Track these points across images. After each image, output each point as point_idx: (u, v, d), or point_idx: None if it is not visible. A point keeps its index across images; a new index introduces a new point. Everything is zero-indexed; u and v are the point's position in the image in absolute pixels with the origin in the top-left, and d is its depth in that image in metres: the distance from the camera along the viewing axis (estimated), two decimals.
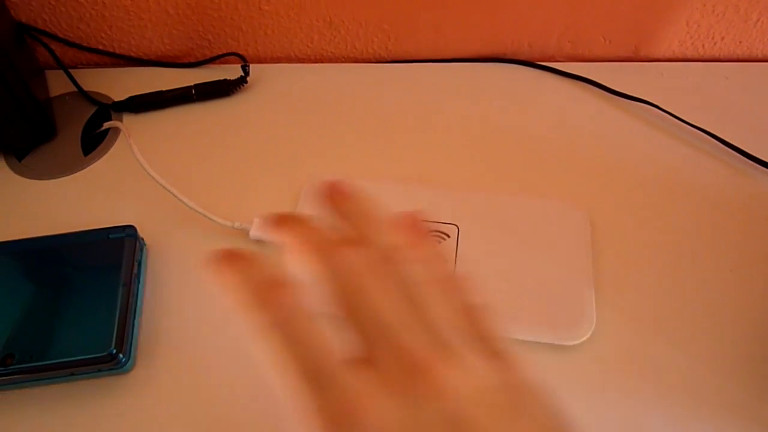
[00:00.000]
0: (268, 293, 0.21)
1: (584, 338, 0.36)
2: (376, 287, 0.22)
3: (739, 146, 0.45)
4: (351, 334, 0.21)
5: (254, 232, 0.41)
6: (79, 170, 0.47)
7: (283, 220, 0.24)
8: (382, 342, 0.21)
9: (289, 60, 0.57)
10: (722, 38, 0.53)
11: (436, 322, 0.22)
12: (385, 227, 0.24)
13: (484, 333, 0.23)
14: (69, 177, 0.46)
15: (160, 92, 0.51)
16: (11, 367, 0.34)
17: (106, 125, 0.49)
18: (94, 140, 0.49)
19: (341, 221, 0.24)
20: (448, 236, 0.40)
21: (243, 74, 0.51)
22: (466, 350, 0.22)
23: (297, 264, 0.23)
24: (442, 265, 0.24)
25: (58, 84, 0.53)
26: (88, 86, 0.52)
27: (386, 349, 0.21)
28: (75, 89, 0.52)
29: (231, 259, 0.22)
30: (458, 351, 0.21)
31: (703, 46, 0.54)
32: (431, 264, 0.24)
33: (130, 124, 0.50)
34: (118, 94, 0.51)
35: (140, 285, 0.39)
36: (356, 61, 0.56)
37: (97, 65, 0.56)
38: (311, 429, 0.19)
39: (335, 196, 0.25)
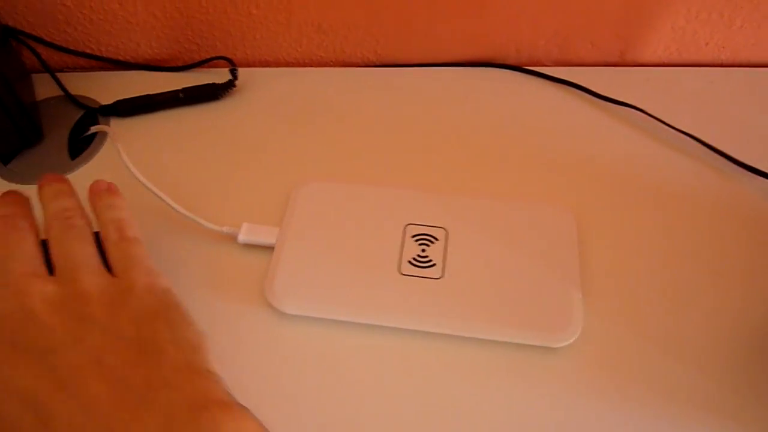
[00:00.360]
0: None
1: (571, 340, 0.36)
2: (11, 234, 0.31)
3: (723, 150, 0.46)
4: None
5: (243, 236, 0.41)
6: (66, 174, 0.46)
7: None
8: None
9: (278, 64, 0.57)
10: (706, 44, 0.54)
11: (63, 256, 0.31)
12: (65, 196, 0.35)
13: (115, 259, 0.32)
14: None
15: (148, 96, 0.50)
16: None
17: (93, 129, 0.48)
18: (81, 144, 0.49)
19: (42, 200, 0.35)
20: (437, 239, 0.40)
21: (232, 78, 0.51)
22: (75, 271, 0.30)
23: None
24: (114, 213, 0.35)
25: (44, 88, 0.52)
26: (74, 90, 0.52)
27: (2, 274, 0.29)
28: (62, 93, 0.51)
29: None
30: (65, 271, 0.30)
31: (687, 51, 0.54)
32: (106, 213, 0.34)
33: (117, 128, 0.50)
34: (106, 98, 0.51)
35: None
36: (345, 65, 0.57)
37: (84, 69, 0.56)
38: None
39: (44, 183, 0.36)
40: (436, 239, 0.40)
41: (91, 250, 0.32)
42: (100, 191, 0.36)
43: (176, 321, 0.29)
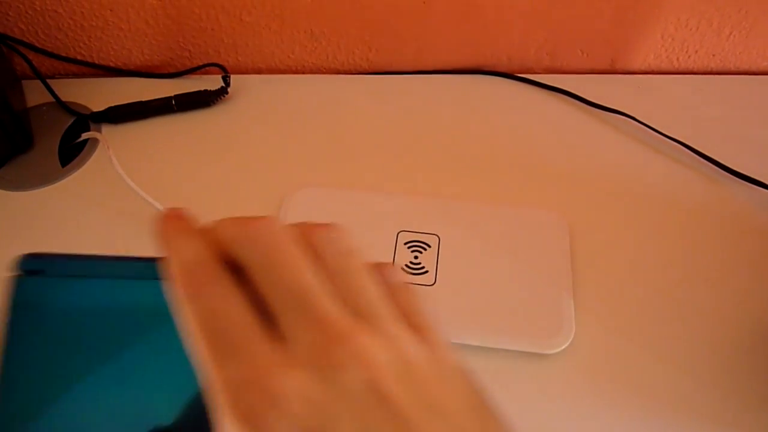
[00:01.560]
0: (195, 267, 0.20)
1: (564, 346, 0.36)
2: (293, 257, 0.21)
3: (713, 157, 0.46)
4: (269, 306, 0.20)
5: None
6: (57, 181, 0.46)
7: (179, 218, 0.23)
8: (297, 311, 0.20)
9: (270, 71, 0.57)
10: (696, 51, 0.54)
11: (356, 292, 0.21)
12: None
13: (408, 307, 0.23)
14: (46, 188, 0.46)
15: (140, 103, 0.50)
16: None
17: (84, 136, 0.48)
18: (72, 151, 0.48)
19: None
20: (429, 246, 0.40)
21: (224, 85, 0.51)
22: (389, 321, 0.21)
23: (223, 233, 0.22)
24: (353, 246, 0.24)
25: (35, 94, 0.52)
26: (66, 97, 0.52)
27: (302, 319, 0.20)
28: (53, 100, 0.51)
29: (172, 222, 0.22)
30: (380, 320, 0.21)
31: (677, 59, 0.55)
32: (346, 245, 0.24)
33: (109, 134, 0.49)
34: (97, 105, 0.51)
35: None
36: (337, 72, 0.57)
37: (76, 75, 0.56)
38: (219, 405, 0.18)
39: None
40: (429, 246, 0.40)
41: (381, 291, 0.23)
42: (317, 227, 0.24)
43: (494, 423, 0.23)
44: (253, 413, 0.17)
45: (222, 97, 0.51)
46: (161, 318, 0.23)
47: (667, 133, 0.48)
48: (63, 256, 0.24)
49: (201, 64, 0.53)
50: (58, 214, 0.44)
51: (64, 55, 0.54)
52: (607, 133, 0.49)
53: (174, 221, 0.22)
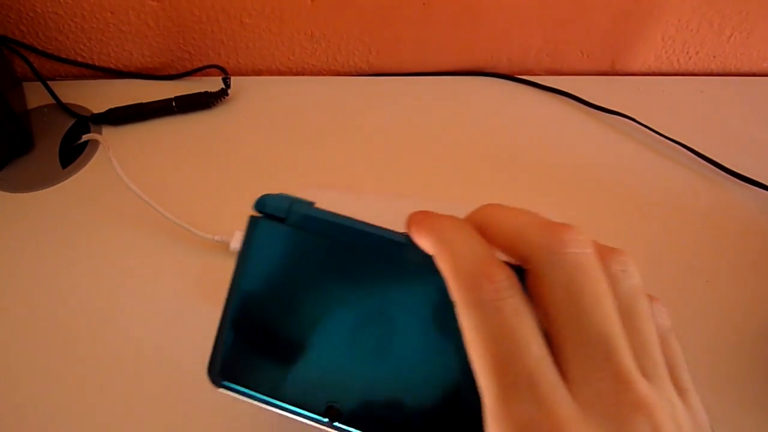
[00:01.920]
0: (481, 268, 0.18)
1: None
2: (601, 290, 0.19)
3: (713, 158, 0.46)
4: (558, 333, 0.18)
5: (235, 244, 0.41)
6: (57, 183, 0.46)
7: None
8: (596, 357, 0.18)
9: (271, 72, 0.57)
10: (696, 53, 0.54)
11: (646, 343, 0.19)
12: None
13: (673, 361, 0.21)
14: (46, 190, 0.46)
15: (141, 104, 0.50)
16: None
17: (84, 137, 0.48)
18: (72, 153, 0.48)
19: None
20: None
21: (224, 87, 0.51)
22: (668, 384, 0.20)
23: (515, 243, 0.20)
24: (638, 280, 0.21)
25: (35, 96, 0.52)
26: (66, 98, 0.52)
27: (599, 367, 0.18)
28: (53, 101, 0.51)
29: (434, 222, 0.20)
30: (663, 383, 0.19)
31: (678, 60, 0.55)
32: (637, 278, 0.21)
33: (109, 136, 0.50)
34: (98, 107, 0.51)
35: None
36: (337, 73, 0.57)
37: (76, 77, 0.56)
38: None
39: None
40: None
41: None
42: (614, 253, 0.21)
43: None
44: None
45: (222, 99, 0.51)
46: (404, 302, 0.22)
47: (667, 135, 0.48)
48: (310, 208, 0.24)
49: (201, 65, 0.53)
50: (59, 215, 0.44)
51: (64, 56, 0.54)
52: (607, 134, 0.49)
53: (437, 214, 0.21)
